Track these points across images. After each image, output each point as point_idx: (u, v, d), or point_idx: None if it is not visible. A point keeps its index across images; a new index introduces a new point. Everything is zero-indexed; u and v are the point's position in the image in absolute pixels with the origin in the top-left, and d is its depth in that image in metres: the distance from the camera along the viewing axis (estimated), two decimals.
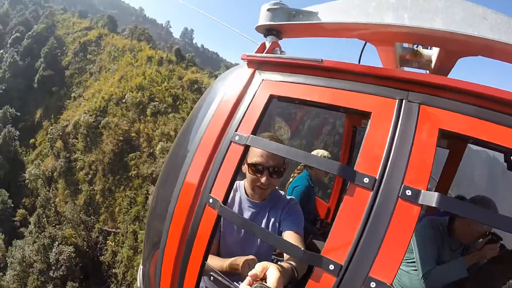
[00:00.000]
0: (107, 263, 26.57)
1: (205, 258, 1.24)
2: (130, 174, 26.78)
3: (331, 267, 0.95)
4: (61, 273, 25.53)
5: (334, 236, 0.98)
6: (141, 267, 1.83)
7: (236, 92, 1.32)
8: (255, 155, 1.52)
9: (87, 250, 27.88)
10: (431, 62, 1.80)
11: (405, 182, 0.93)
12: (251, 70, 1.36)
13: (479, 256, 1.98)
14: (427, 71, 1.93)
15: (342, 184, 3.37)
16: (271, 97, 1.25)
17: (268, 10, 1.41)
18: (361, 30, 1.40)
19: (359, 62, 2.09)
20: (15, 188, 35.35)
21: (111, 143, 28.48)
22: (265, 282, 0.83)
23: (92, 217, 28.32)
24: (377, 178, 0.96)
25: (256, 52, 1.42)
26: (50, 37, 43.36)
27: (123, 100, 29.28)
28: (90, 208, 28.74)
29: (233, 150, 1.22)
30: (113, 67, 33.38)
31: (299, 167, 3.28)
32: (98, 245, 27.53)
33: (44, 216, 29.98)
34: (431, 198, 0.88)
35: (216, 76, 29.54)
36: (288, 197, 1.72)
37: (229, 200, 1.58)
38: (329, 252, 0.97)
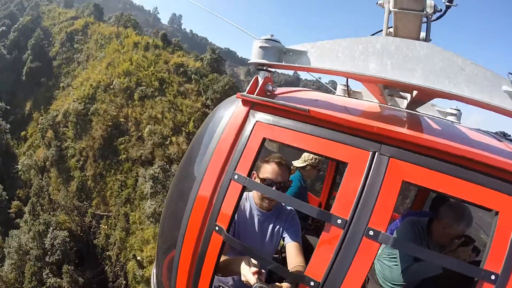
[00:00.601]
0: (101, 246, 27.14)
1: (213, 275, 1.44)
2: (120, 158, 27.17)
3: (311, 283, 1.23)
4: (56, 257, 26.02)
5: (314, 261, 1.25)
6: (154, 270, 2.02)
7: (233, 132, 1.46)
8: (266, 172, 1.79)
9: (81, 234, 28.40)
10: (411, 92, 1.95)
11: (369, 225, 1.17)
12: (246, 109, 1.49)
13: (453, 257, 2.19)
14: (408, 96, 2.10)
15: (333, 180, 3.59)
16: (264, 139, 1.42)
17: (261, 47, 1.46)
18: (345, 75, 1.55)
19: (348, 90, 2.29)
20: (9, 180, 35.64)
21: (101, 129, 28.75)
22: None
23: (84, 202, 28.77)
24: (347, 220, 1.20)
25: (250, 87, 1.52)
26: (36, 29, 43.06)
27: (111, 87, 29.45)
28: (82, 193, 29.16)
29: (233, 187, 1.40)
30: (100, 54, 33.42)
31: (292, 167, 3.36)
32: (92, 229, 28.07)
33: (38, 205, 30.36)
34: (387, 239, 1.17)
35: (202, 59, 29.75)
36: (288, 207, 2.03)
37: (240, 208, 1.87)
38: (310, 272, 1.25)
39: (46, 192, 31.12)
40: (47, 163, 32.96)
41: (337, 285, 1.20)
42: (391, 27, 1.63)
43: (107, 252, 26.73)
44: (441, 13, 1.80)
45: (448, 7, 1.72)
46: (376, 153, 1.21)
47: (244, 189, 1.41)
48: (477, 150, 1.19)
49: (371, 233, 1.16)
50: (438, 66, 1.22)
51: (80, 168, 29.77)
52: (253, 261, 1.40)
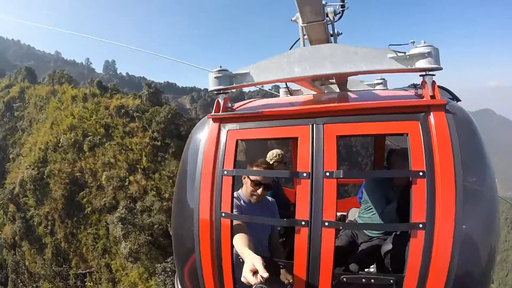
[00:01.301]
0: None
1: (232, 255, 1.74)
2: (85, 212, 27.18)
3: (303, 223, 1.62)
4: None
5: (298, 207, 1.66)
6: (176, 276, 2.29)
7: (213, 143, 1.87)
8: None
9: None
10: (333, 78, 2.59)
11: (325, 169, 1.61)
12: (217, 124, 1.91)
13: None
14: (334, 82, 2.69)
15: None
16: (237, 141, 1.85)
17: (215, 77, 1.92)
18: (280, 81, 2.11)
19: (289, 91, 2.89)
20: None
21: (60, 189, 28.59)
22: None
23: (63, 265, 28.34)
24: (309, 171, 1.63)
25: (215, 108, 1.95)
26: None
27: (59, 145, 29.42)
28: (59, 258, 28.68)
29: (226, 179, 1.81)
30: (42, 116, 33.18)
31: (267, 161, 3.71)
32: None
33: (19, 281, 29.47)
34: (338, 173, 1.61)
35: (140, 96, 30.51)
36: (270, 199, 2.56)
37: (236, 206, 2.21)
38: (298, 216, 1.65)
39: (23, 267, 30.26)
40: (16, 237, 32.01)
41: (319, 217, 1.60)
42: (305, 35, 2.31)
43: None
44: (340, 15, 2.43)
45: (343, 10, 2.37)
46: (314, 124, 1.68)
47: (234, 178, 1.81)
48: (380, 101, 1.71)
49: (328, 174, 1.61)
50: (340, 57, 1.70)
51: (50, 233, 29.30)
52: (254, 261, 1.47)
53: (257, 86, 2.18)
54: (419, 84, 1.93)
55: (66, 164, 28.72)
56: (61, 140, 29.54)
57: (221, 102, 1.95)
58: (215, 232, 1.80)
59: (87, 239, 26.99)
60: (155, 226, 23.52)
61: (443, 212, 1.46)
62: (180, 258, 2.17)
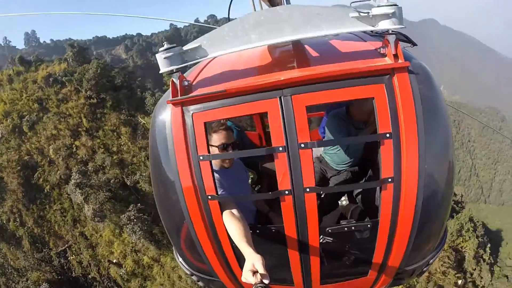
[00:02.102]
0: (81, 275, 27.24)
1: (227, 233, 1.80)
2: (45, 191, 26.53)
3: (286, 192, 1.71)
4: None
5: (280, 179, 1.71)
6: (177, 255, 2.35)
7: (179, 128, 1.76)
8: (218, 139, 2.14)
9: (59, 277, 28.20)
10: None
11: (299, 141, 1.64)
12: (179, 108, 1.76)
13: (374, 126, 2.56)
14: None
15: (260, 115, 3.99)
16: (205, 123, 1.76)
17: (165, 58, 1.67)
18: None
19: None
20: None
21: (14, 178, 27.56)
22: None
23: (43, 250, 28.24)
24: (285, 145, 1.66)
25: (171, 91, 1.76)
26: None
27: None
28: (37, 244, 28.49)
29: (204, 164, 1.77)
30: None
31: (222, 121, 3.91)
32: (65, 267, 27.91)
33: (10, 282, 29.40)
34: (313, 144, 1.67)
35: (66, 60, 28.63)
36: (237, 159, 2.48)
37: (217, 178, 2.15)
38: (281, 187, 1.72)
39: (8, 267, 30.06)
40: None
41: (300, 185, 1.70)
42: None
43: (89, 276, 26.97)
44: None
45: None
46: (281, 97, 1.66)
47: (211, 162, 1.80)
48: (343, 64, 1.70)
49: (302, 145, 1.66)
50: (299, 19, 1.57)
51: (21, 225, 28.74)
52: (254, 262, 1.45)
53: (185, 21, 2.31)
54: (380, 34, 1.85)
55: (12, 152, 27.43)
56: (0, 131, 27.94)
57: (177, 82, 1.76)
58: (206, 215, 1.83)
59: (56, 216, 26.64)
60: (112, 181, 23.28)
61: (408, 167, 1.64)
62: (177, 241, 2.24)
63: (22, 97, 27.27)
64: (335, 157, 3.01)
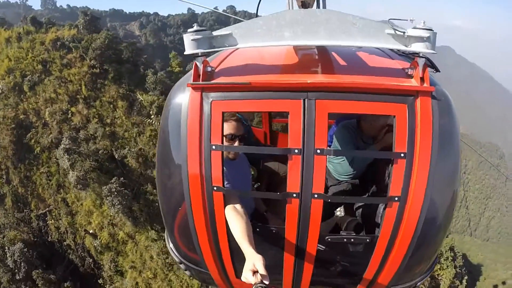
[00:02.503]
0: (57, 240, 27.40)
1: (226, 227, 1.78)
2: (35, 152, 26.73)
3: (294, 195, 1.70)
4: (24, 270, 25.96)
5: (290, 181, 1.71)
6: (168, 241, 2.30)
7: (196, 114, 1.73)
8: (227, 129, 2.06)
9: (35, 239, 28.39)
10: None
11: (316, 146, 1.65)
12: (198, 93, 1.74)
13: (383, 143, 2.57)
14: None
15: (269, 114, 4.00)
16: (223, 113, 1.74)
17: (193, 40, 1.65)
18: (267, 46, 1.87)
19: None
20: None
21: (7, 135, 27.80)
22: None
23: (24, 210, 28.44)
24: (301, 148, 1.65)
25: (193, 75, 1.74)
26: None
27: None
28: (19, 204, 28.70)
29: (215, 154, 1.76)
30: None
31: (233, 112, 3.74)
32: (43, 230, 28.10)
33: None
34: (329, 151, 1.69)
35: (77, 26, 28.84)
36: (241, 154, 2.44)
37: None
38: (290, 189, 1.73)
39: None
40: None
41: (309, 190, 1.70)
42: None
43: (64, 243, 27.12)
44: None
45: None
46: (306, 99, 1.65)
47: (223, 153, 1.79)
48: (371, 78, 1.70)
49: (318, 151, 1.67)
50: (336, 25, 1.59)
51: (6, 182, 28.99)
52: (255, 262, 1.45)
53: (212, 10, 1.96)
54: (408, 54, 1.93)
55: (10, 109, 27.66)
56: (0, 86, 28.15)
57: (200, 66, 1.73)
58: (208, 206, 1.82)
59: (41, 178, 26.84)
60: (100, 152, 23.41)
61: (416, 189, 1.67)
62: (171, 226, 2.23)
63: (28, 57, 27.49)
64: (339, 167, 2.99)
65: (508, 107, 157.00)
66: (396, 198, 1.71)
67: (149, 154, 24.05)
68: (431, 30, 1.56)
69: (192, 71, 1.75)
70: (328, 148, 1.71)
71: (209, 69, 1.80)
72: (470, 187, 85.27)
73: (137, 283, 24.30)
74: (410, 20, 1.62)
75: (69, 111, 25.30)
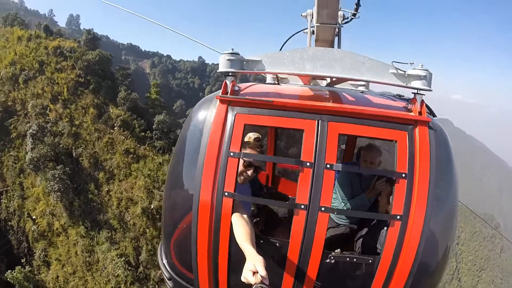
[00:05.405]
0: (3, 219, 30.13)
1: (231, 235, 1.91)
2: (11, 136, 30.85)
3: (302, 206, 1.89)
4: None
5: (299, 192, 1.92)
6: (162, 255, 2.42)
7: (219, 124, 2.01)
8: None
9: None
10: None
11: (326, 161, 1.90)
12: (224, 106, 2.04)
13: (374, 191, 2.92)
14: (327, 79, 3.01)
15: (274, 152, 4.50)
16: (245, 125, 2.02)
17: (228, 60, 2.03)
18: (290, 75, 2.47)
19: (277, 78, 3.10)
20: None
21: None
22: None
23: None
24: (313, 161, 1.90)
25: (222, 90, 2.07)
26: None
27: None
28: None
29: (232, 161, 1.97)
30: None
31: (261, 144, 3.85)
32: None
33: None
34: (338, 166, 1.94)
35: (79, 41, 34.68)
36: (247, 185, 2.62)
37: None
38: (298, 200, 1.92)
39: None
40: None
41: (316, 203, 1.88)
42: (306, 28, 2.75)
43: (9, 223, 29.81)
44: (348, 20, 2.85)
45: (353, 17, 2.79)
46: (319, 120, 1.95)
47: (239, 160, 2.01)
48: (376, 109, 2.05)
49: (328, 166, 1.90)
50: (349, 63, 1.98)
51: None
52: (255, 263, 1.51)
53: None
54: (403, 96, 2.48)
55: (2, 95, 32.50)
56: (1, 73, 33.34)
57: (229, 84, 2.07)
58: (215, 211, 1.97)
59: (8, 160, 30.60)
60: (61, 146, 27.27)
61: (417, 208, 1.87)
62: (170, 232, 2.38)
63: (30, 55, 33.01)
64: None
65: (504, 178, 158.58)
66: (398, 217, 1.85)
67: (100, 158, 28.03)
68: (427, 70, 1.93)
69: (221, 90, 2.09)
70: (337, 163, 1.91)
71: (236, 88, 2.13)
72: (463, 259, 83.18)
73: (57, 276, 26.60)
74: (410, 63, 1.98)
75: (48, 107, 29.82)
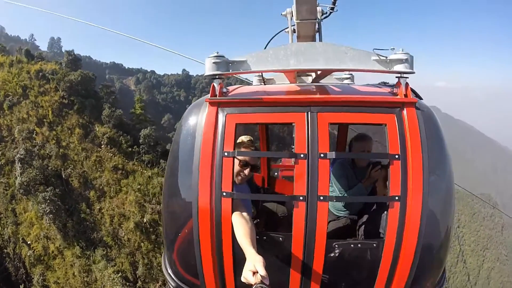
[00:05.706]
0: None
1: (233, 236, 1.90)
2: (0, 163, 30.95)
3: (301, 198, 1.91)
4: None
5: (296, 184, 1.95)
6: (166, 265, 2.41)
7: (211, 126, 2.03)
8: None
9: None
10: (316, 72, 3.00)
11: (319, 150, 1.93)
12: (215, 108, 2.07)
13: (370, 179, 2.96)
14: (312, 75, 3.13)
15: (268, 159, 4.61)
16: (237, 124, 2.03)
17: (213, 62, 2.06)
18: (275, 72, 2.47)
19: (263, 79, 3.16)
20: None
21: None
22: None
23: None
24: (306, 152, 1.94)
25: (210, 93, 2.11)
26: None
27: None
28: None
29: (226, 160, 1.99)
30: None
31: (254, 144, 3.86)
32: None
33: None
34: (331, 154, 1.95)
35: (60, 63, 34.95)
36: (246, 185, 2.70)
37: None
38: (296, 192, 1.93)
39: None
40: None
41: (315, 193, 1.91)
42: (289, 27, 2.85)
43: (5, 250, 29.78)
44: (327, 15, 2.91)
45: (331, 12, 2.85)
46: (309, 112, 2.00)
47: (234, 159, 2.02)
48: (363, 96, 2.18)
49: (322, 155, 1.93)
50: (331, 54, 2.04)
51: None
52: (255, 263, 1.51)
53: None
54: (388, 83, 2.55)
55: None
56: None
57: (217, 87, 2.11)
58: (215, 213, 1.97)
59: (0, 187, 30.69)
60: (49, 168, 27.40)
61: (414, 187, 1.91)
62: (172, 240, 2.37)
63: (13, 81, 33.26)
64: (337, 203, 3.21)
65: (497, 157, 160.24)
66: (397, 198, 1.89)
67: (90, 177, 28.16)
68: (408, 53, 2.00)
69: (209, 93, 2.13)
70: (330, 152, 1.95)
71: (224, 90, 2.19)
72: (465, 241, 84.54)
73: None
74: (391, 49, 2.05)
75: (34, 131, 30.01)
